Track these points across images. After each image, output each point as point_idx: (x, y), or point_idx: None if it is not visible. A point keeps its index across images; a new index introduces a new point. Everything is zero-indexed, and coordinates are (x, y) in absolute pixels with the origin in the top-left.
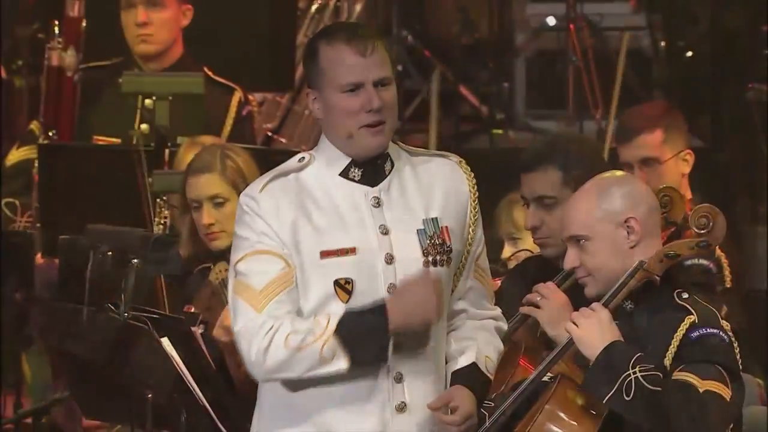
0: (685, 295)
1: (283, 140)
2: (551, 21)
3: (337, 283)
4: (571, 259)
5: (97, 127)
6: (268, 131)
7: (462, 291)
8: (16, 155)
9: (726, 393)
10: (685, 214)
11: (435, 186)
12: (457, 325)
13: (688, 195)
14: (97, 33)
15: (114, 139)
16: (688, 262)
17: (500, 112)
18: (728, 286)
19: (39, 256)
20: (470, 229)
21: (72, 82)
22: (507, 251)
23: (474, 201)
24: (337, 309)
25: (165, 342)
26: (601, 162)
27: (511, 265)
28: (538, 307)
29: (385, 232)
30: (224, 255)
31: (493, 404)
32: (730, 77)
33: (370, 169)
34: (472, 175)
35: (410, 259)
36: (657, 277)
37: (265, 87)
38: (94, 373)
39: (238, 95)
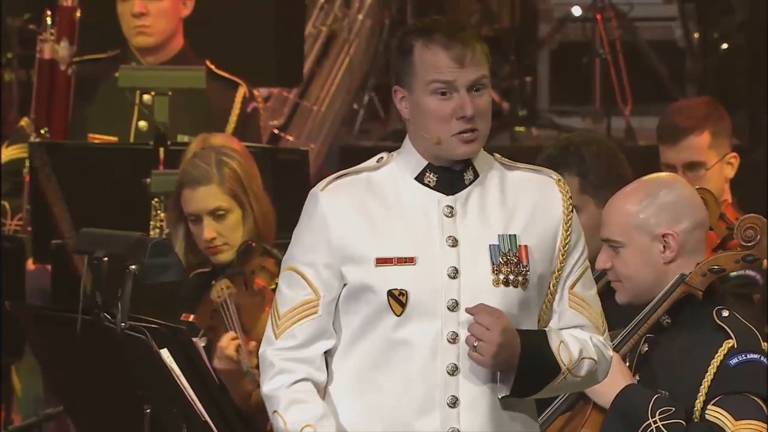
0: (725, 313)
1: (291, 138)
2: (577, 11)
3: (390, 293)
4: (603, 260)
5: (92, 125)
6: (274, 129)
7: (559, 327)
8: (5, 154)
9: (763, 429)
10: (726, 220)
11: (521, 202)
12: None
13: (729, 199)
14: (92, 24)
15: (110, 137)
16: (733, 274)
17: (523, 108)
18: None
19: (30, 262)
20: (560, 254)
21: (65, 76)
22: None
23: (567, 224)
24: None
25: (164, 353)
26: (620, 162)
27: None
28: None
29: (454, 244)
30: (225, 269)
31: None
32: None
33: (447, 176)
34: (570, 196)
35: (478, 274)
36: (699, 292)
37: (272, 82)
38: (88, 387)
39: (242, 90)
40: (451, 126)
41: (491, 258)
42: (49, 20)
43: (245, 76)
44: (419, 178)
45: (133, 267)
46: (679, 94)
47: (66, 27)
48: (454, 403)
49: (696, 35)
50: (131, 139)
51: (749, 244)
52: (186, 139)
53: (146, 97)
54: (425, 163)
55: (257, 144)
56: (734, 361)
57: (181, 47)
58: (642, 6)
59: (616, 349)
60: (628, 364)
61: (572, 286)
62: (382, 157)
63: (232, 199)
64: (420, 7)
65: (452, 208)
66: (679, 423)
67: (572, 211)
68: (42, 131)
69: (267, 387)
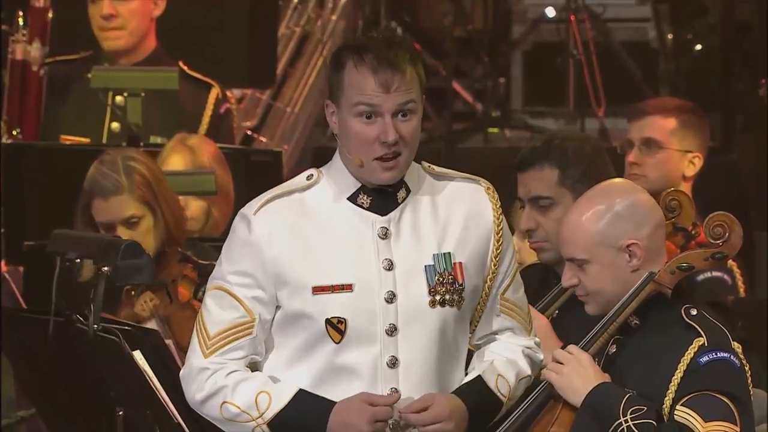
0: (694, 312)
1: (264, 139)
2: (550, 12)
3: (329, 322)
4: (568, 277)
5: (64, 126)
6: (247, 130)
7: (490, 331)
8: None
9: (732, 430)
10: (694, 221)
11: (453, 215)
12: (482, 349)
13: None
14: (64, 24)
15: (83, 139)
16: (700, 277)
17: (496, 109)
18: (742, 295)
19: (3, 263)
20: (492, 263)
21: (37, 77)
22: None
23: (498, 233)
24: (287, 390)
25: (137, 355)
26: (602, 162)
27: None
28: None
29: (389, 267)
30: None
31: None
32: (742, 72)
33: (381, 197)
34: (499, 203)
35: (414, 297)
36: (668, 290)
37: (245, 82)
38: (61, 389)
39: (215, 92)
40: (374, 149)
41: (427, 280)
42: (21, 21)
43: (218, 77)
44: (352, 198)
45: (106, 268)
46: (653, 95)
47: (38, 28)
48: (397, 428)
49: (669, 36)
50: (104, 141)
51: (718, 242)
52: (159, 140)
53: (119, 99)
54: (358, 184)
55: (230, 145)
56: (704, 359)
57: (154, 48)
58: (615, 7)
59: (584, 349)
60: None
61: (504, 292)
62: (311, 175)
63: (144, 205)
64: (393, 8)
65: (387, 229)
66: (650, 423)
67: (502, 219)
68: (14, 132)
69: (204, 392)
